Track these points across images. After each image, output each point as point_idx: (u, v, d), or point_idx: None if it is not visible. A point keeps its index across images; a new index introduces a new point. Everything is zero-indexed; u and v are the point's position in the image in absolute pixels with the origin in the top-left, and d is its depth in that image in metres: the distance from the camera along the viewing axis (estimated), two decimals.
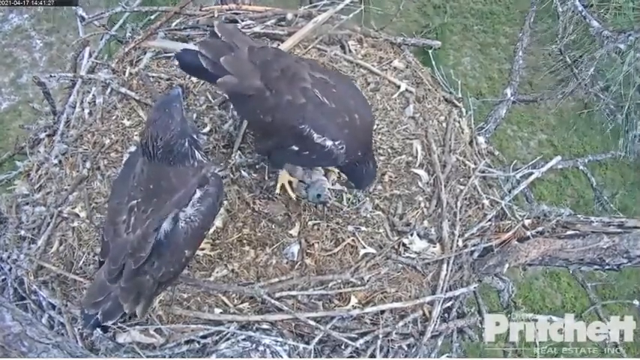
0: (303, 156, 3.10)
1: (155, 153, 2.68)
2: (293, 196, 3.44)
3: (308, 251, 3.29)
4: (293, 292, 3.12)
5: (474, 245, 3.42)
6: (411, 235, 3.37)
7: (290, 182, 3.47)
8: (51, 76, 4.02)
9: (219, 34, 3.15)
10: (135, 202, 2.69)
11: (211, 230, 3.22)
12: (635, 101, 4.17)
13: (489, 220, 3.53)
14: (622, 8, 4.09)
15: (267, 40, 4.05)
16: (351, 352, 3.07)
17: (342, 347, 3.07)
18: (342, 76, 3.64)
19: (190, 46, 3.88)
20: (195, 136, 2.82)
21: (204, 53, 3.07)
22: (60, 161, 3.60)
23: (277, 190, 3.44)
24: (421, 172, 3.62)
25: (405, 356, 3.17)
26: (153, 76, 3.88)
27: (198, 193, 2.74)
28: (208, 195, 2.77)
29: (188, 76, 3.78)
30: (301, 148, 3.05)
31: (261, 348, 2.95)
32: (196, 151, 2.80)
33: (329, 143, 2.98)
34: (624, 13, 4.08)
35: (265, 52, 3.12)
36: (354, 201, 3.50)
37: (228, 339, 2.99)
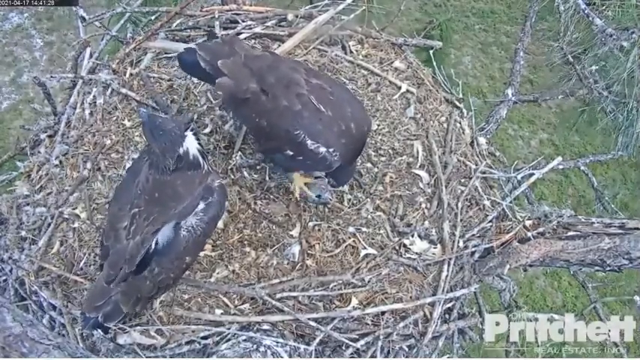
0: (298, 161, 3.12)
1: (168, 165, 2.72)
2: (313, 196, 3.42)
3: (309, 252, 3.28)
4: (294, 293, 3.11)
5: (475, 246, 3.42)
6: (412, 236, 3.37)
7: (306, 184, 3.47)
8: (52, 76, 4.03)
9: (220, 41, 3.21)
10: (137, 209, 2.73)
11: None
12: (637, 99, 4.16)
13: (490, 221, 3.52)
14: (625, 6, 4.08)
15: (269, 41, 4.04)
16: (351, 353, 3.07)
17: (343, 348, 3.07)
18: (337, 82, 3.63)
19: (192, 46, 3.89)
20: (202, 145, 2.86)
21: (202, 55, 3.11)
22: (60, 162, 3.60)
23: (297, 195, 3.43)
24: (422, 173, 3.62)
25: (406, 357, 3.17)
26: (153, 77, 3.88)
27: (202, 204, 2.77)
28: (212, 205, 2.79)
29: (189, 76, 3.78)
30: (295, 153, 3.08)
31: (262, 349, 2.95)
32: (204, 160, 2.85)
33: (322, 150, 3.01)
34: (627, 11, 4.07)
35: (262, 60, 3.15)
36: (355, 202, 3.50)
37: (229, 340, 2.98)
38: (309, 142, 3.00)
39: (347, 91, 3.42)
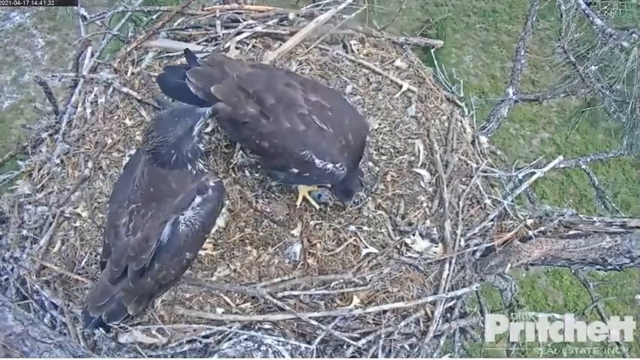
0: (304, 177, 3.18)
1: (154, 154, 2.69)
2: (317, 207, 3.46)
3: (310, 251, 3.28)
4: (295, 292, 3.11)
5: (476, 245, 3.42)
6: (413, 234, 3.37)
7: (309, 192, 3.48)
8: (53, 75, 4.02)
9: (208, 61, 3.20)
10: (134, 205, 2.73)
11: (213, 230, 3.22)
12: (638, 99, 4.14)
13: (491, 219, 3.52)
14: (625, 5, 4.07)
15: (270, 40, 4.04)
16: (353, 352, 3.06)
17: (344, 347, 3.06)
18: (332, 92, 3.61)
19: (191, 46, 3.89)
20: (198, 146, 2.81)
21: (193, 82, 3.11)
22: (62, 161, 3.61)
23: (298, 204, 3.44)
24: (423, 172, 3.61)
25: (407, 356, 3.16)
26: (154, 76, 3.87)
27: (198, 197, 2.76)
28: (208, 199, 2.78)
29: None
30: (301, 171, 3.12)
31: (263, 348, 2.95)
32: (197, 160, 2.81)
33: (330, 166, 3.06)
34: (628, 11, 4.06)
35: (256, 79, 3.12)
36: (356, 201, 3.50)
37: (230, 339, 2.98)
38: (317, 160, 3.04)
39: (341, 100, 3.43)
